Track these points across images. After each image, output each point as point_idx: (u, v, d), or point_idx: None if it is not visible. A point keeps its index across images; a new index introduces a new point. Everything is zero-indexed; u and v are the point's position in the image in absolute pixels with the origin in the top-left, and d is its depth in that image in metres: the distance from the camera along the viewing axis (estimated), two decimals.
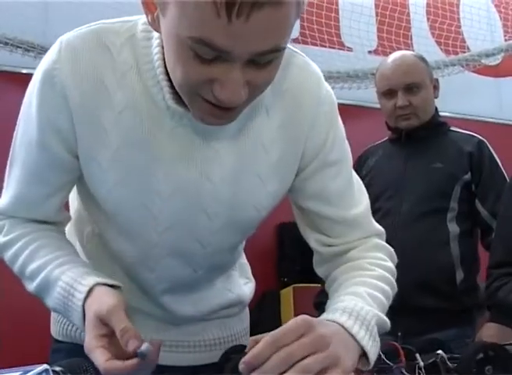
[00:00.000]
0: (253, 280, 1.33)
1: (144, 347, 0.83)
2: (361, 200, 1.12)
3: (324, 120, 1.06)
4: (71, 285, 0.95)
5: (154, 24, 0.87)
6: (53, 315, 1.25)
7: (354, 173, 1.13)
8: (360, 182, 1.15)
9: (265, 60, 0.81)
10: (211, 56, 0.79)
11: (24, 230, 1.05)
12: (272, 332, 0.78)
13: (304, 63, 1.06)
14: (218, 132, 0.99)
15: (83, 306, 0.92)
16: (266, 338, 0.77)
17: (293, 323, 0.79)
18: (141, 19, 0.98)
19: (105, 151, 0.98)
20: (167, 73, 0.92)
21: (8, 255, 1.05)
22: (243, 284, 1.28)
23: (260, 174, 1.04)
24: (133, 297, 1.11)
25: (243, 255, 1.32)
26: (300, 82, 1.04)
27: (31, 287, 1.02)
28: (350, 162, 1.12)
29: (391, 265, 1.08)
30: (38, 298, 1.03)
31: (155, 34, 0.94)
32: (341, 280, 1.03)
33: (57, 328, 1.23)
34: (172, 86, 0.93)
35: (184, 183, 1.00)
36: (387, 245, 1.13)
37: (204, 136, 0.99)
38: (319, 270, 1.15)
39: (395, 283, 1.06)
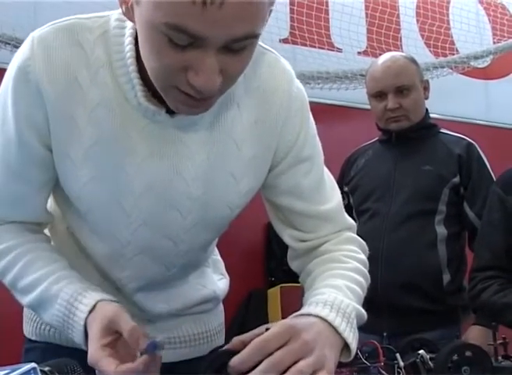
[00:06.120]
0: (227, 276, 1.34)
1: (158, 339, 0.85)
2: (333, 195, 1.13)
3: (295, 117, 1.06)
4: (72, 303, 0.95)
5: (129, 14, 0.86)
6: (26, 314, 1.24)
7: (326, 169, 1.14)
8: (332, 178, 1.16)
9: (240, 46, 0.81)
10: (185, 42, 0.79)
11: (15, 242, 1.04)
12: (259, 338, 0.79)
13: (275, 60, 1.06)
14: (191, 129, 0.99)
15: (85, 323, 0.93)
16: (252, 343, 0.78)
17: (278, 328, 0.81)
18: (114, 14, 0.97)
19: (78, 147, 0.97)
20: (139, 71, 0.93)
21: None
22: (217, 280, 1.29)
23: (233, 172, 1.04)
24: None
25: (216, 252, 1.32)
26: (271, 79, 1.04)
27: (24, 300, 1.03)
28: (322, 157, 1.13)
29: (363, 257, 1.09)
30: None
31: (128, 31, 0.94)
32: (317, 273, 1.04)
33: (30, 328, 1.22)
34: (144, 84, 0.93)
35: (156, 180, 1.00)
36: (359, 238, 1.14)
37: (177, 133, 0.99)
38: (293, 264, 1.16)
39: (368, 275, 1.07)
